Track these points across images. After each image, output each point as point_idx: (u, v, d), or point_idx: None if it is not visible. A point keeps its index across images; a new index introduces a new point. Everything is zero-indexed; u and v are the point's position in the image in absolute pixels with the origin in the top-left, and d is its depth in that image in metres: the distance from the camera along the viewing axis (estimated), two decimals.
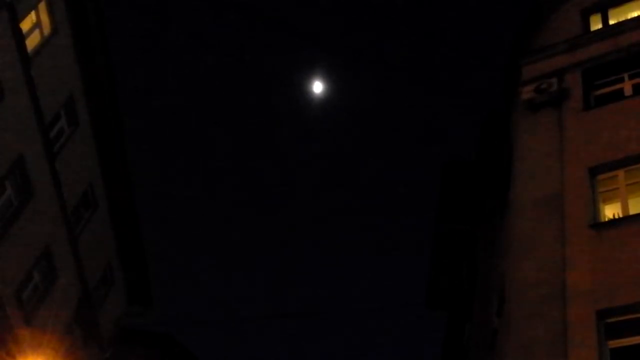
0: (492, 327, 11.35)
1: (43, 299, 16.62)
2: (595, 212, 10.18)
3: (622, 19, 12.98)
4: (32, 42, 15.31)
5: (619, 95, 11.71)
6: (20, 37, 14.55)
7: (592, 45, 12.49)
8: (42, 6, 15.53)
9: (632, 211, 10.03)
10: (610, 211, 10.38)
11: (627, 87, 11.73)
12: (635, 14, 12.90)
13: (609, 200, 10.51)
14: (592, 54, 12.35)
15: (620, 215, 10.10)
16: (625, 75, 11.88)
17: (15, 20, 14.34)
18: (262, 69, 50.67)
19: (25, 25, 14.98)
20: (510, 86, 13.32)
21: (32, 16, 15.33)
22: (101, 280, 19.44)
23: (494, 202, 13.60)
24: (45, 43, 15.77)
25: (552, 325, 9.08)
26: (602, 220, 10.17)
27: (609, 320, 8.83)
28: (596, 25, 13.28)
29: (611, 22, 13.14)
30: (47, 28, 15.85)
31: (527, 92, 12.21)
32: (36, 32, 15.56)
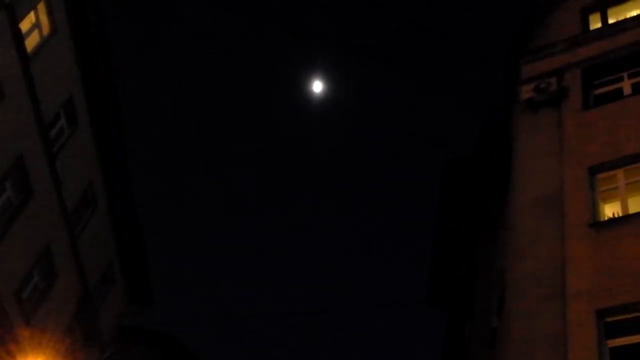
0: (492, 325, 11.35)
1: (43, 299, 16.63)
2: (595, 211, 10.18)
3: (621, 18, 12.98)
4: (31, 42, 15.30)
5: (618, 94, 11.72)
6: (19, 38, 14.55)
7: (592, 44, 12.49)
8: (41, 6, 15.52)
9: (632, 210, 10.03)
10: (610, 210, 10.38)
11: (627, 86, 11.73)
12: (634, 13, 12.91)
13: (608, 199, 10.52)
14: (592, 53, 12.35)
15: (620, 215, 10.10)
16: (625, 75, 11.88)
17: (15, 20, 14.33)
18: (262, 68, 50.69)
19: (25, 25, 14.97)
20: (509, 85, 13.32)
21: (32, 16, 15.32)
22: (101, 280, 19.45)
23: (494, 201, 13.61)
24: (44, 43, 15.76)
25: (551, 324, 9.09)
26: (602, 219, 10.17)
27: (609, 320, 8.84)
28: (595, 24, 13.28)
29: (610, 21, 13.15)
30: (46, 28, 15.83)
31: (526, 92, 12.22)
32: (35, 33, 15.54)
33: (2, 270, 14.82)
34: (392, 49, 54.03)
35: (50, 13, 15.75)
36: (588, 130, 11.17)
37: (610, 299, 8.93)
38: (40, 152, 15.79)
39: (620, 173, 10.47)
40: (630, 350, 8.55)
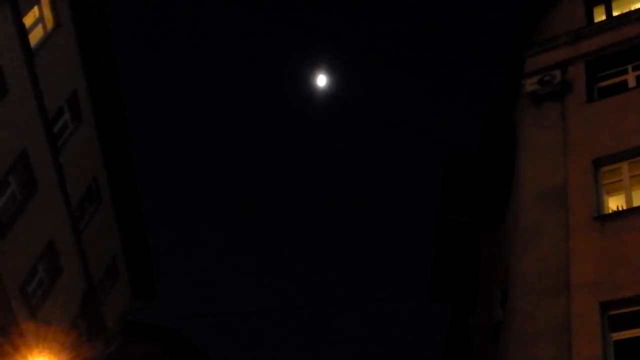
0: (495, 319, 11.36)
1: (48, 293, 16.69)
2: (599, 204, 10.16)
3: (625, 10, 12.93)
4: (35, 37, 15.32)
5: (622, 87, 11.68)
6: (23, 32, 14.57)
7: (596, 37, 12.45)
8: (44, 1, 15.54)
9: (636, 203, 10.01)
10: (614, 203, 10.36)
11: (631, 79, 11.69)
12: (638, 6, 12.85)
13: (612, 192, 10.49)
14: (596, 45, 12.31)
15: (624, 208, 10.08)
16: (629, 67, 11.84)
17: (18, 15, 14.35)
18: (266, 62, 50.66)
19: (28, 20, 14.99)
20: (513, 78, 13.29)
21: (35, 11, 15.34)
22: (105, 274, 19.52)
23: (498, 194, 13.60)
24: (48, 38, 15.79)
25: (555, 318, 9.09)
26: (606, 212, 10.15)
27: (613, 313, 8.82)
28: (600, 16, 13.24)
29: (615, 13, 13.10)
30: (49, 23, 15.85)
31: (530, 84, 12.19)
32: (39, 27, 15.56)
33: (8, 264, 14.88)
34: (396, 43, 53.95)
35: (53, 8, 15.77)
36: (592, 123, 11.14)
37: (615, 291, 8.91)
38: (44, 146, 15.82)
39: (624, 166, 10.44)
40: (635, 343, 8.54)
